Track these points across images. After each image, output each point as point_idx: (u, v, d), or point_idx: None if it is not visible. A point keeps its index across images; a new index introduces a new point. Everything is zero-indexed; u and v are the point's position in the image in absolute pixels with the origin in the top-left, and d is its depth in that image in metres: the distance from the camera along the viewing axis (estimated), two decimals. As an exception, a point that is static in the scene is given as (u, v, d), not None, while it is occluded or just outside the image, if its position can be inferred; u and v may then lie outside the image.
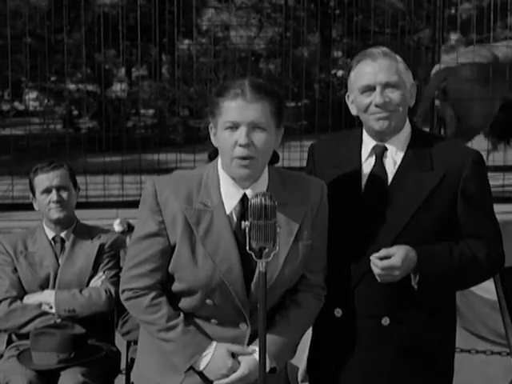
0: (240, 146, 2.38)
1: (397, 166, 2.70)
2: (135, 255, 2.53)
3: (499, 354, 4.95)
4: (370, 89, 2.64)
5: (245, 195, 2.47)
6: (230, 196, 2.48)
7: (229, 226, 2.46)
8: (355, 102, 2.71)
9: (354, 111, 2.75)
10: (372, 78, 2.63)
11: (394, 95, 2.63)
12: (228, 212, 2.47)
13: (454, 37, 14.16)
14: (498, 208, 6.23)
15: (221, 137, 2.43)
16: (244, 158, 2.39)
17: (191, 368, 2.51)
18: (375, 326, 2.68)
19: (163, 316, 2.50)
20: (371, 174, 2.70)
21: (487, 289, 4.77)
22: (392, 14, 9.24)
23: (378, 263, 2.56)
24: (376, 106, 2.63)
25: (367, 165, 2.73)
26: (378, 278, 2.58)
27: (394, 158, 2.71)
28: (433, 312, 2.72)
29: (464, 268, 2.66)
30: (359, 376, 2.71)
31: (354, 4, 7.65)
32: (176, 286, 2.52)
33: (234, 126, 2.39)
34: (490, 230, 2.73)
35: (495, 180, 6.61)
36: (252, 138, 2.38)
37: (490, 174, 6.77)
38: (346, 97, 2.77)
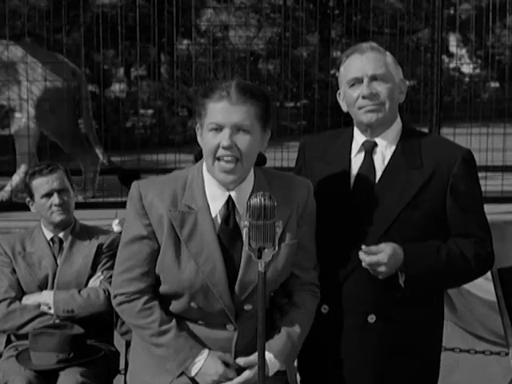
0: (223, 147, 2.37)
1: (386, 163, 2.70)
2: (125, 259, 2.53)
3: (498, 354, 4.95)
4: (358, 81, 2.65)
5: (230, 197, 2.47)
6: (215, 198, 2.47)
7: (213, 229, 2.46)
8: (344, 96, 2.72)
9: (344, 108, 2.76)
10: (359, 70, 2.64)
11: (381, 88, 2.65)
12: (213, 215, 2.47)
13: (452, 37, 14.17)
14: (497, 208, 6.23)
15: (205, 138, 2.43)
16: (227, 162, 2.38)
17: (182, 373, 2.51)
18: (361, 323, 2.70)
19: (155, 320, 2.50)
20: (360, 170, 2.72)
21: (486, 289, 4.77)
22: (391, 14, 9.24)
23: (365, 258, 2.58)
24: (363, 97, 2.64)
25: (356, 160, 2.74)
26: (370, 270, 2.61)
27: (383, 154, 2.72)
28: (419, 311, 2.73)
29: (451, 266, 2.67)
30: (345, 373, 2.72)
31: (353, 4, 7.66)
32: (162, 288, 2.53)
33: (218, 128, 2.39)
34: (479, 228, 2.73)
35: (494, 180, 6.61)
36: (235, 140, 2.38)
37: (488, 175, 6.77)
38: (338, 94, 2.78)
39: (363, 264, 2.60)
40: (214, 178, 2.45)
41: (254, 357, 2.48)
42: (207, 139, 2.42)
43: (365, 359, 2.71)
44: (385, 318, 2.69)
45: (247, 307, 2.47)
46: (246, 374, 2.50)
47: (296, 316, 2.58)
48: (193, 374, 2.50)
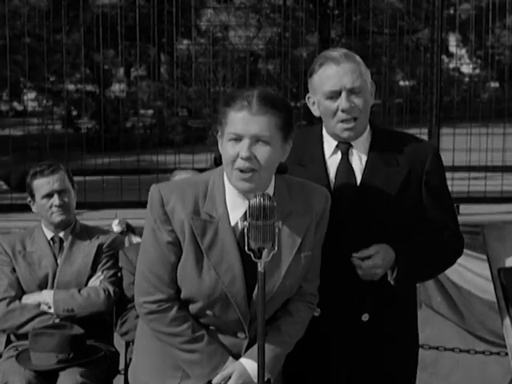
0: (241, 158, 2.34)
1: (364, 163, 2.73)
2: (152, 265, 2.47)
3: (498, 354, 4.96)
4: (336, 94, 2.66)
5: None
6: (235, 207, 2.44)
7: (233, 237, 2.43)
8: (320, 105, 2.72)
9: (316, 113, 2.77)
10: (337, 82, 2.64)
11: (358, 100, 2.66)
12: (233, 223, 2.44)
13: (452, 37, 14.18)
14: (497, 208, 6.23)
15: (224, 147, 2.40)
16: (244, 171, 2.35)
17: (188, 378, 2.50)
18: (355, 322, 2.73)
19: (189, 327, 2.47)
20: (339, 171, 2.73)
21: (486, 289, 4.78)
22: (391, 14, 9.24)
23: (360, 264, 2.60)
24: (342, 111, 2.65)
25: (332, 162, 2.75)
26: (360, 276, 2.63)
27: (359, 155, 2.74)
28: (406, 303, 2.85)
29: (435, 260, 2.81)
30: (340, 371, 2.76)
31: (352, 4, 7.65)
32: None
33: (238, 138, 2.35)
34: (453, 219, 2.85)
35: (494, 180, 6.62)
36: (254, 151, 2.34)
37: (488, 175, 6.76)
38: (307, 98, 2.78)
39: (358, 271, 2.62)
40: (233, 185, 2.42)
41: (228, 372, 2.47)
42: (227, 148, 2.38)
43: (359, 356, 2.75)
44: (377, 316, 2.74)
45: None
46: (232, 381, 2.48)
47: (286, 325, 2.55)
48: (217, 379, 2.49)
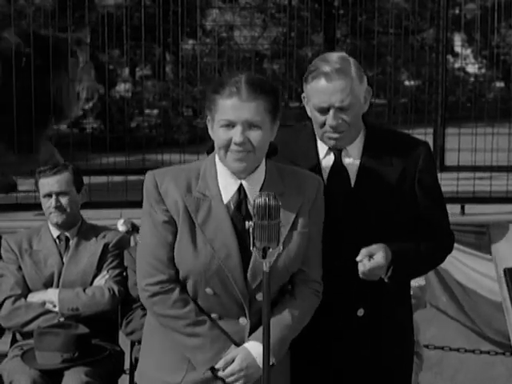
0: (235, 144, 2.41)
1: (358, 163, 2.75)
2: (152, 247, 2.51)
3: (503, 354, 4.95)
4: (324, 110, 2.67)
5: (241, 185, 2.50)
6: (227, 186, 2.51)
7: (227, 215, 2.49)
8: (311, 112, 2.74)
9: (309, 114, 2.78)
10: (326, 100, 2.65)
11: (347, 117, 2.67)
12: (225, 202, 2.50)
13: (457, 37, 14.16)
14: (502, 208, 6.21)
15: (216, 133, 2.46)
16: (239, 152, 2.42)
17: (194, 369, 2.51)
18: (351, 317, 2.75)
19: (192, 310, 2.49)
20: (332, 171, 2.75)
21: (492, 290, 4.78)
22: (396, 14, 9.24)
23: (365, 264, 2.60)
24: (330, 126, 2.67)
25: (326, 161, 2.77)
26: (362, 275, 2.63)
27: (353, 155, 2.76)
28: (400, 299, 2.88)
29: (428, 258, 2.85)
30: (335, 366, 2.77)
31: (358, 4, 7.65)
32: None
33: (230, 125, 2.42)
34: (444, 217, 2.88)
35: (499, 180, 6.61)
36: (247, 135, 2.42)
37: (493, 175, 6.75)
38: (303, 98, 2.80)
39: (360, 271, 2.62)
40: (227, 167, 2.49)
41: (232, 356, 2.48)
42: (219, 134, 2.45)
43: (356, 352, 2.77)
44: (373, 311, 2.76)
45: (259, 297, 2.48)
46: (235, 366, 2.48)
47: (290, 309, 2.56)
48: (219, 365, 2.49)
